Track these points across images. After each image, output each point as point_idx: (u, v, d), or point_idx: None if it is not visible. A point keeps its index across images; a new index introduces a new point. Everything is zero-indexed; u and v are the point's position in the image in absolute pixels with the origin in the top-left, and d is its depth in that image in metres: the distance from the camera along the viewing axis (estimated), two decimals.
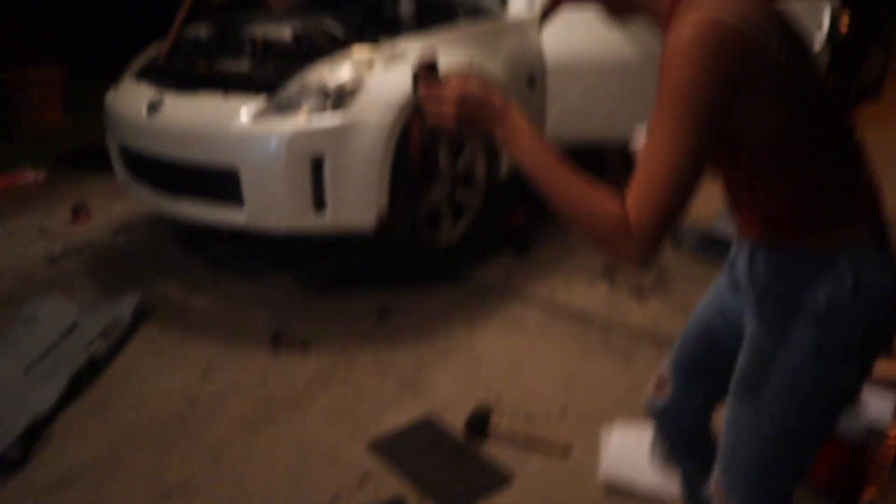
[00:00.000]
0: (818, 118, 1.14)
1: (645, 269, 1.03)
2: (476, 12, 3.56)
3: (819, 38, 3.22)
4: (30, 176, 4.58)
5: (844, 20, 5.91)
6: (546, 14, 1.31)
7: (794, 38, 1.12)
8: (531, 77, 3.50)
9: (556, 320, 2.98)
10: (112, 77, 3.68)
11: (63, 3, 8.26)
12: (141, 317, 2.99)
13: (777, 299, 1.22)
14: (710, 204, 3.92)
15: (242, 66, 3.26)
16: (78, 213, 4.06)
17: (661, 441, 1.64)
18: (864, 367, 1.22)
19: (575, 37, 3.55)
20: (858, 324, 1.17)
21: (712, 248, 3.48)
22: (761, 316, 1.25)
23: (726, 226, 3.66)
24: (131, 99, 3.34)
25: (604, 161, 4.07)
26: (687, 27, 1.04)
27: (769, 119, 1.08)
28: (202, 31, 3.75)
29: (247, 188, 2.91)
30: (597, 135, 3.74)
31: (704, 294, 1.46)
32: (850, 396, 1.27)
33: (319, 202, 2.89)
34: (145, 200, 3.41)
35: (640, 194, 1.04)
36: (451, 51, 3.16)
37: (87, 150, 4.98)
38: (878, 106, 6.79)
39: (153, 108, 3.15)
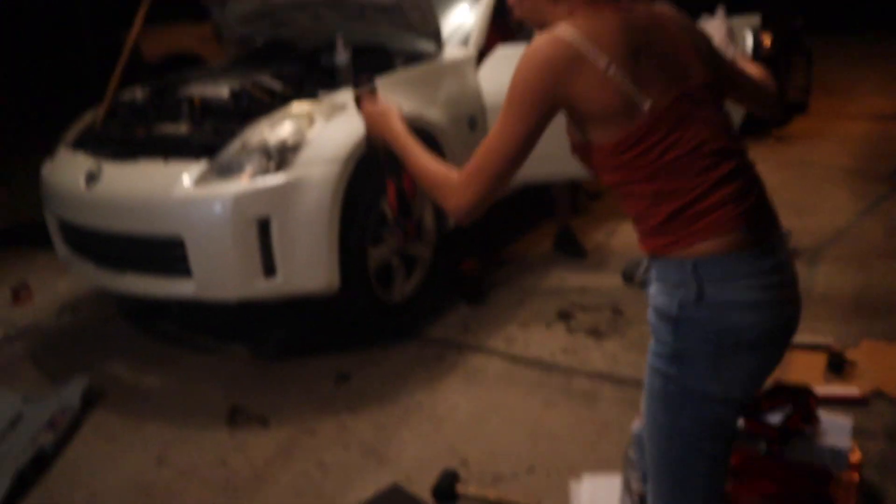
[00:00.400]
0: (666, 132, 1.25)
1: (465, 221, 1.11)
2: (412, 56, 3.56)
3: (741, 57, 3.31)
4: None
5: (766, 37, 6.10)
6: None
7: (663, 55, 1.28)
8: (472, 118, 3.52)
9: (517, 369, 2.96)
10: (45, 147, 3.58)
11: None
12: (90, 402, 2.86)
13: (655, 308, 1.34)
14: None
15: (181, 128, 3.20)
16: (19, 293, 3.90)
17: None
18: (727, 379, 1.28)
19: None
20: (708, 332, 1.26)
21: None
22: (652, 324, 1.35)
23: None
24: (68, 170, 3.24)
25: (550, 198, 4.10)
26: (535, 41, 1.29)
27: (602, 126, 1.27)
28: (138, 93, 3.68)
29: (193, 257, 2.84)
30: (542, 173, 3.76)
31: None
32: (722, 413, 1.31)
33: (269, 267, 2.83)
34: (89, 276, 3.29)
35: (474, 161, 1.36)
36: (389, 97, 3.15)
37: (23, 226, 4.81)
38: (807, 120, 7.00)
39: (91, 178, 3.06)
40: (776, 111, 1.63)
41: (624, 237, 4.24)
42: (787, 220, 4.05)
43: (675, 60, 1.30)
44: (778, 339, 1.31)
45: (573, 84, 1.25)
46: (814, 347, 2.88)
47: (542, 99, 1.27)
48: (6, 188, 5.87)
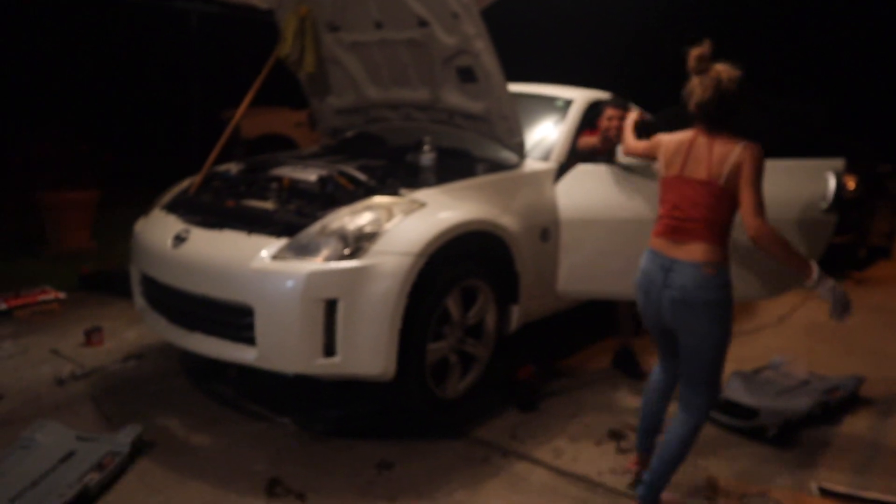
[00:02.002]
0: None
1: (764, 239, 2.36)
2: (494, 164, 3.71)
3: (826, 200, 3.31)
4: (50, 295, 4.67)
5: (850, 181, 6.07)
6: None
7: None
8: (545, 229, 3.60)
9: (561, 483, 2.90)
10: (143, 205, 3.83)
11: (105, 132, 8.74)
12: (139, 450, 2.95)
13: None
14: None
15: (268, 205, 3.38)
16: (91, 335, 4.10)
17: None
18: None
19: (589, 191, 3.67)
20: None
21: (722, 410, 3.43)
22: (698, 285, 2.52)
23: (736, 389, 3.62)
24: (159, 230, 3.45)
25: (614, 315, 4.09)
26: (755, 145, 2.38)
27: None
28: (233, 168, 3.94)
29: (260, 327, 2.95)
30: (608, 290, 3.78)
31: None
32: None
33: (330, 346, 2.91)
34: (159, 329, 3.45)
35: (758, 199, 2.37)
36: (466, 201, 3.28)
37: (109, 275, 5.09)
38: (890, 266, 6.82)
39: (179, 240, 3.26)
40: None
41: None
42: (863, 366, 3.97)
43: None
44: None
45: None
46: None
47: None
48: (100, 238, 6.24)
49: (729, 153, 2.35)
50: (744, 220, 2.38)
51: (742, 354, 4.33)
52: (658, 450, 2.62)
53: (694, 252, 2.40)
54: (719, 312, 2.42)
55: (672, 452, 2.54)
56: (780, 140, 3.83)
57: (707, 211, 2.39)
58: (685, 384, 2.55)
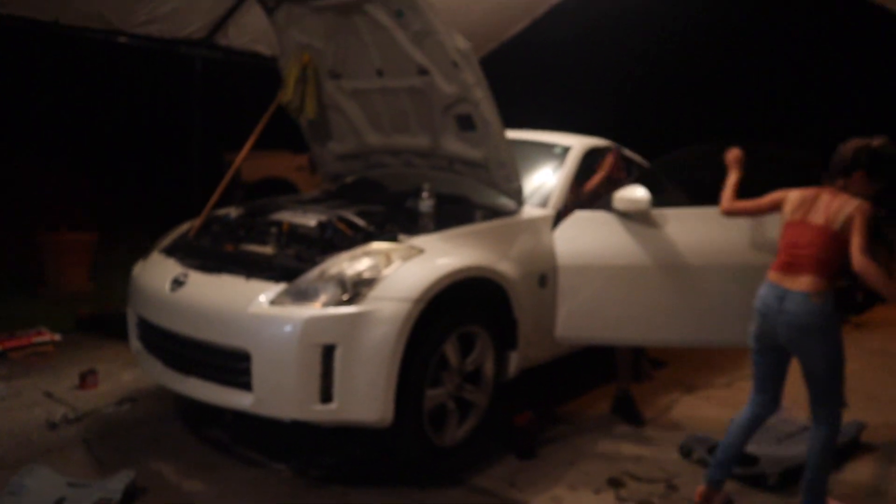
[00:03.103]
0: None
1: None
2: (492, 210, 3.73)
3: None
4: (45, 337, 4.65)
5: None
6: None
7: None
8: (543, 275, 3.61)
9: None
10: (143, 247, 3.84)
11: (106, 174, 8.81)
12: (132, 496, 2.91)
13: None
14: (721, 413, 3.88)
15: (267, 250, 3.40)
16: (86, 378, 4.07)
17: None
18: None
19: (587, 238, 3.69)
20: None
21: None
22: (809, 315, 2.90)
23: (736, 437, 3.59)
24: (157, 273, 3.46)
25: (613, 361, 4.08)
26: (863, 204, 2.84)
27: None
28: (232, 212, 3.96)
29: (256, 372, 2.94)
30: (606, 336, 3.78)
31: None
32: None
33: (327, 392, 2.90)
34: (154, 373, 3.43)
35: (864, 251, 2.76)
36: (465, 247, 3.30)
37: (105, 317, 5.08)
38: (888, 309, 6.81)
39: (177, 284, 3.26)
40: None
41: (685, 409, 4.15)
42: (863, 411, 3.94)
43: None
44: None
45: None
46: None
47: None
48: (99, 279, 6.24)
49: (845, 206, 2.84)
50: (853, 258, 2.80)
51: (742, 400, 4.27)
52: (807, 462, 2.95)
53: (804, 283, 2.82)
54: (827, 335, 2.83)
55: (817, 461, 2.91)
56: (777, 186, 3.88)
57: (818, 250, 2.84)
58: (811, 401, 2.94)
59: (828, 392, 2.89)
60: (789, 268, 2.89)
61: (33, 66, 10.89)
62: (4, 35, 5.34)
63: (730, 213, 3.26)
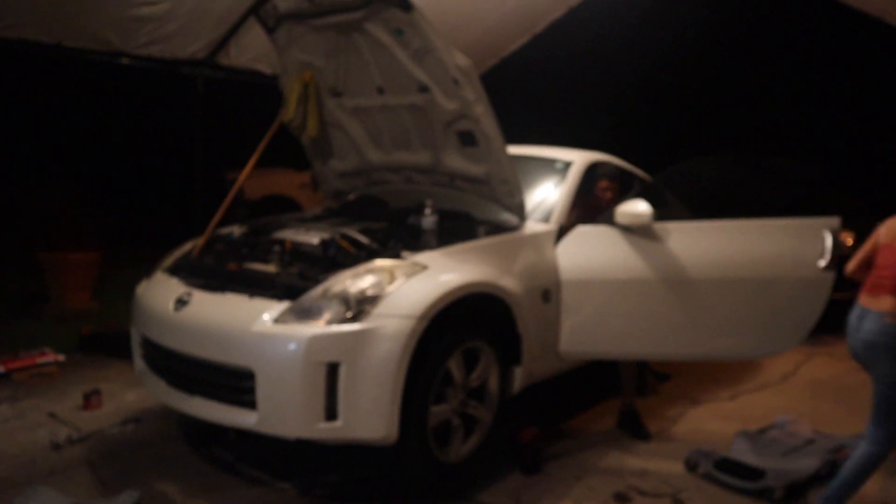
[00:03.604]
0: None
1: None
2: (495, 226, 3.74)
3: (825, 258, 3.38)
4: (49, 357, 4.64)
5: (848, 237, 6.10)
6: None
7: None
8: (546, 291, 3.61)
9: None
10: (146, 266, 3.84)
11: (110, 193, 8.84)
12: None
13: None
14: (726, 427, 3.87)
15: (270, 268, 3.40)
16: (90, 398, 4.06)
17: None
18: None
19: (590, 253, 3.70)
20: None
21: (727, 471, 3.38)
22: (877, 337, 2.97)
23: (741, 450, 3.58)
24: (160, 292, 3.46)
25: (618, 375, 4.07)
26: None
27: None
28: (236, 231, 3.97)
29: (261, 391, 2.93)
30: (610, 350, 3.78)
31: None
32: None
33: (331, 410, 2.89)
34: (158, 393, 3.42)
35: None
36: (468, 263, 3.30)
37: (109, 337, 5.08)
38: None
39: (180, 303, 3.26)
40: None
41: (691, 423, 4.13)
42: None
43: None
44: None
45: None
46: None
47: None
48: (102, 298, 6.25)
49: None
50: None
51: (746, 414, 4.29)
52: (839, 474, 2.99)
53: (882, 303, 2.90)
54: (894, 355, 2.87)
55: (849, 477, 2.93)
56: (778, 199, 3.88)
57: None
58: (870, 419, 2.96)
59: (886, 412, 2.90)
60: (874, 289, 2.96)
61: (37, 87, 10.97)
62: (8, 57, 5.38)
63: (853, 276, 3.18)
